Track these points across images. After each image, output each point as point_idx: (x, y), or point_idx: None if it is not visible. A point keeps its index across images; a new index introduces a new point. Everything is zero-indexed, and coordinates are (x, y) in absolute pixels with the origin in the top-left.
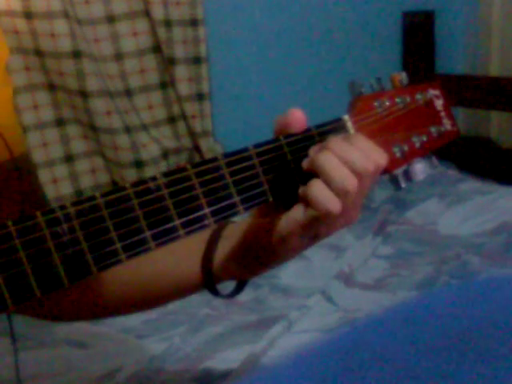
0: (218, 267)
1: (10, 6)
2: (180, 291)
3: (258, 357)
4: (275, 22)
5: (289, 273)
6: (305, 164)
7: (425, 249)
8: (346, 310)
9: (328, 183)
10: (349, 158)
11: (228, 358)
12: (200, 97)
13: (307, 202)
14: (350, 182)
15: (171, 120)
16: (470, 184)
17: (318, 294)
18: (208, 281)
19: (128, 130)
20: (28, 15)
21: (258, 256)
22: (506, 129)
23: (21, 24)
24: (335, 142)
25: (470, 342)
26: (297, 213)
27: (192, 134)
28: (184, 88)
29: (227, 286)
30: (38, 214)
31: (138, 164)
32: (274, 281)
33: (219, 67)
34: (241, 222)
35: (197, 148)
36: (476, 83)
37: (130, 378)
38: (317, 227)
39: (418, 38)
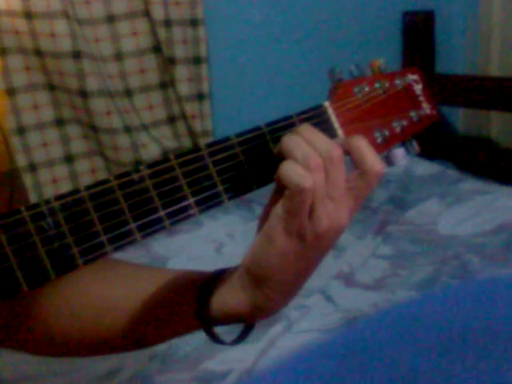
0: (216, 308)
1: (9, 6)
2: (169, 334)
3: (258, 357)
4: (275, 22)
5: None
6: (275, 149)
7: (425, 249)
8: (346, 310)
9: (295, 160)
10: (314, 139)
11: (228, 358)
12: (200, 97)
13: (281, 187)
14: (314, 158)
15: (171, 120)
16: (470, 184)
17: (318, 293)
18: (205, 325)
19: (128, 129)
20: (28, 15)
21: (260, 283)
22: (506, 129)
23: (21, 24)
24: (303, 126)
25: (470, 342)
26: (276, 206)
27: (192, 134)
28: (184, 88)
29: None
30: (23, 208)
31: (138, 164)
32: None
33: (219, 67)
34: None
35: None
36: (476, 83)
37: (130, 378)
38: (299, 221)
39: (418, 38)
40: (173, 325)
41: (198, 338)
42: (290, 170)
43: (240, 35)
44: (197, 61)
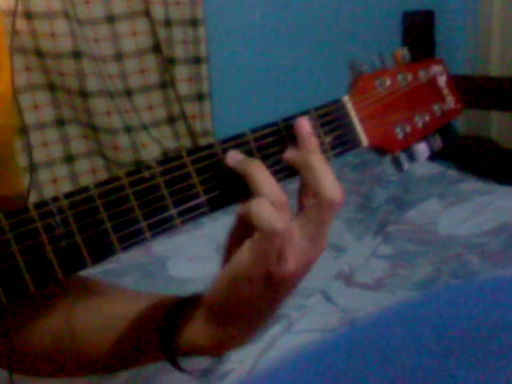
0: (180, 338)
1: (10, 6)
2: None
3: (258, 357)
4: (275, 22)
5: None
6: (232, 163)
7: (425, 249)
8: (346, 310)
9: (263, 195)
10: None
11: (228, 358)
12: (200, 97)
13: (246, 224)
14: (282, 196)
15: (171, 120)
16: (470, 184)
17: (318, 293)
18: (168, 354)
19: (128, 129)
20: (28, 15)
21: (223, 321)
22: (506, 129)
23: (21, 24)
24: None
25: (470, 342)
26: (241, 249)
27: (192, 134)
28: (184, 88)
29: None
30: (31, 206)
31: (138, 164)
32: None
33: (219, 67)
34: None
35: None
36: (476, 83)
37: (130, 378)
38: (268, 265)
39: (418, 38)
40: (137, 353)
41: None
42: (262, 210)
43: (240, 35)
44: (197, 61)
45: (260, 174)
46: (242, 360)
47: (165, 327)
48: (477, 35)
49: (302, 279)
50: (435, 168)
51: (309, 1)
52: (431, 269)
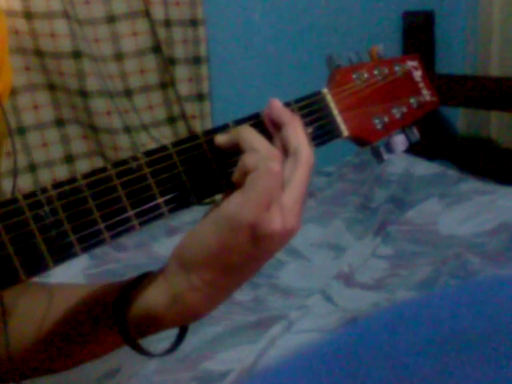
0: (135, 311)
1: (9, 6)
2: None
3: (258, 357)
4: (275, 22)
5: (288, 273)
6: (223, 141)
7: (425, 249)
8: (346, 310)
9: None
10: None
11: (228, 358)
12: (200, 97)
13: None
14: (275, 150)
15: (171, 120)
16: (470, 184)
17: (318, 294)
18: (125, 333)
19: (128, 129)
20: (28, 15)
21: (189, 267)
22: (506, 129)
23: (21, 24)
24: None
25: (470, 343)
26: (234, 195)
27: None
28: (184, 88)
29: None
30: (20, 197)
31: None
32: (273, 281)
33: (219, 67)
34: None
35: None
36: (476, 83)
37: (130, 378)
38: (257, 212)
39: (418, 38)
40: (95, 340)
41: (198, 338)
42: (257, 155)
43: (240, 35)
44: (197, 61)
45: (249, 133)
46: (241, 360)
47: (118, 300)
48: (477, 35)
49: (280, 248)
50: (435, 168)
51: (309, 1)
52: (431, 269)
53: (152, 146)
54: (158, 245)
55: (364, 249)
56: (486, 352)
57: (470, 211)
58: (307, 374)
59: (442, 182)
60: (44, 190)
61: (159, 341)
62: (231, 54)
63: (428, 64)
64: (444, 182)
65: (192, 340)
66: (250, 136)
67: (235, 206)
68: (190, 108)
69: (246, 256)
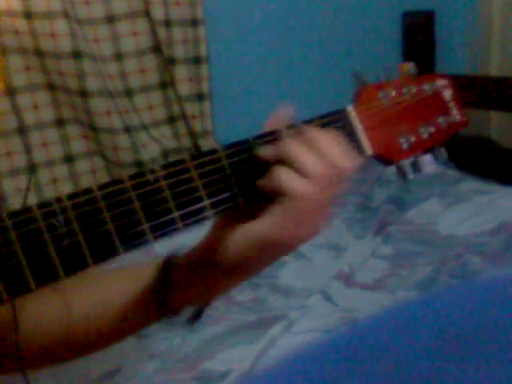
0: (174, 294)
1: (9, 6)
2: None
3: (258, 357)
4: (275, 22)
5: (288, 273)
6: (264, 153)
7: (425, 249)
8: (346, 310)
9: (298, 167)
10: (322, 146)
11: (228, 358)
12: (200, 97)
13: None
14: (319, 167)
15: (171, 120)
16: (470, 184)
17: (318, 293)
18: (164, 311)
19: (128, 129)
20: (28, 15)
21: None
22: (506, 129)
23: (21, 24)
24: (313, 132)
25: (470, 342)
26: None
27: (192, 134)
28: (184, 88)
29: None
30: (34, 206)
31: (138, 164)
32: (273, 281)
33: (219, 67)
34: (193, 247)
35: (197, 148)
36: (476, 83)
37: (130, 378)
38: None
39: (418, 38)
40: (138, 317)
41: (198, 338)
42: (290, 177)
43: (240, 35)
44: (197, 61)
45: (297, 147)
46: (242, 360)
47: (158, 286)
48: (477, 35)
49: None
50: (435, 168)
51: (309, 1)
52: (431, 269)
53: (152, 146)
54: (158, 245)
55: (364, 249)
56: (486, 352)
57: (469, 211)
58: (307, 374)
59: (441, 182)
60: (58, 200)
61: (161, 340)
62: (231, 53)
63: (428, 64)
64: (444, 182)
65: (192, 340)
66: (295, 152)
67: (277, 225)
68: (190, 108)
69: (269, 261)
